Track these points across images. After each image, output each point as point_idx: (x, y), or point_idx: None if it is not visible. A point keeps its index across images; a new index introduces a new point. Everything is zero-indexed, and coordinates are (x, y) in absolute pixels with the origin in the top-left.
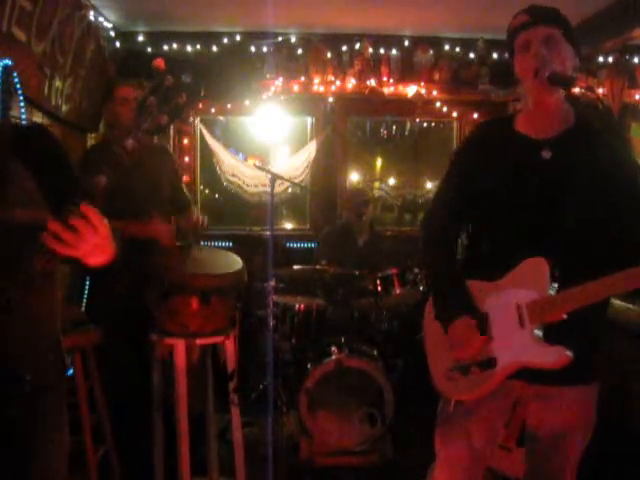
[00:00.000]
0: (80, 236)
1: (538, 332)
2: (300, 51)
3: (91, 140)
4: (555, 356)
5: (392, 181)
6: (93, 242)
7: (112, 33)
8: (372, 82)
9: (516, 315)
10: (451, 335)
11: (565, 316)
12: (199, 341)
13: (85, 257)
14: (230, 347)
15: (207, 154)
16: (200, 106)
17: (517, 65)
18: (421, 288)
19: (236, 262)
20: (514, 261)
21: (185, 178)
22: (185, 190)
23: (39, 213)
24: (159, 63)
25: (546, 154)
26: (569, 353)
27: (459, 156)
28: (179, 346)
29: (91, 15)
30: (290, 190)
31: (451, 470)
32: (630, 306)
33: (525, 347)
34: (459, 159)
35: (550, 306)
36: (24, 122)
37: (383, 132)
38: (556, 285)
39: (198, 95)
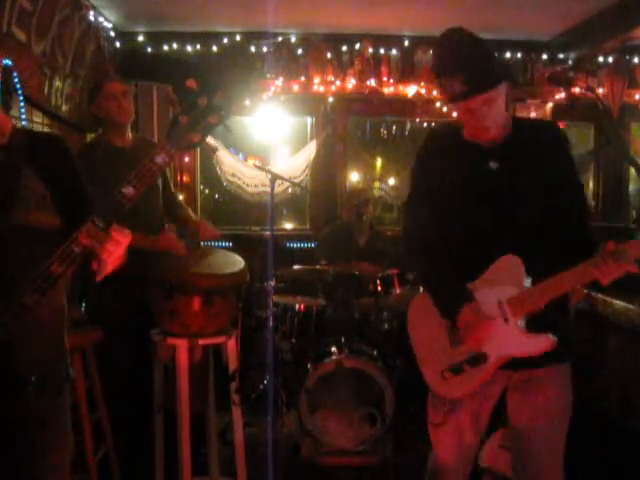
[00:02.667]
0: (107, 251)
1: (521, 323)
2: (300, 51)
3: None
4: (542, 344)
5: (392, 181)
6: (116, 255)
7: (112, 33)
8: (372, 82)
9: (499, 311)
10: (462, 323)
11: (543, 306)
12: (201, 341)
13: (103, 268)
14: (232, 347)
15: (207, 154)
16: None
17: (458, 114)
18: (421, 289)
19: (238, 262)
20: (479, 264)
21: (185, 178)
22: (174, 191)
23: (52, 216)
24: (191, 84)
25: (493, 165)
26: (553, 338)
27: (418, 171)
28: (181, 346)
29: (91, 15)
30: (290, 190)
31: (445, 462)
32: (630, 306)
33: (512, 340)
34: (419, 174)
35: (530, 299)
36: (39, 131)
37: (383, 132)
38: (530, 279)
39: (229, 116)
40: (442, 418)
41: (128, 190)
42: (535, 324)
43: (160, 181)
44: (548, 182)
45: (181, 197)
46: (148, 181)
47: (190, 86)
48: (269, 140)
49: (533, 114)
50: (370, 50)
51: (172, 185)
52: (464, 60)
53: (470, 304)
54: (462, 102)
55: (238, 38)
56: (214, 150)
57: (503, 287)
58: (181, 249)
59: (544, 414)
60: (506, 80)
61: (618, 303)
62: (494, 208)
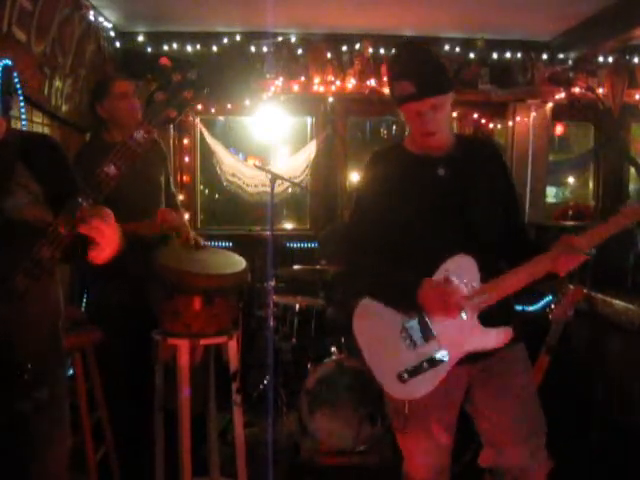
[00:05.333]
0: (97, 231)
1: (476, 320)
2: (300, 51)
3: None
4: (500, 337)
5: None
6: (108, 234)
7: (112, 33)
8: (372, 82)
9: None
10: (427, 302)
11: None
12: (202, 341)
13: (100, 251)
14: (233, 347)
15: (207, 154)
16: (200, 106)
17: (406, 119)
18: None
19: (239, 262)
20: (431, 266)
21: (185, 178)
22: (174, 190)
23: (45, 213)
24: (165, 61)
25: (441, 172)
26: (509, 329)
27: (367, 193)
28: (183, 346)
29: (91, 15)
30: (290, 190)
31: (424, 466)
32: (630, 306)
33: (471, 335)
34: (368, 196)
35: (488, 295)
36: (33, 132)
37: (383, 132)
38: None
39: (202, 91)
40: (403, 423)
41: (110, 169)
42: (487, 316)
43: (163, 180)
44: (491, 188)
45: (181, 197)
46: (128, 159)
47: (164, 63)
48: (269, 140)
49: (533, 114)
50: (370, 50)
51: (173, 187)
52: (415, 65)
53: (427, 280)
54: (411, 104)
55: (238, 38)
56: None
57: (459, 285)
58: (176, 220)
59: (511, 392)
60: (451, 92)
61: (618, 303)
62: (444, 212)
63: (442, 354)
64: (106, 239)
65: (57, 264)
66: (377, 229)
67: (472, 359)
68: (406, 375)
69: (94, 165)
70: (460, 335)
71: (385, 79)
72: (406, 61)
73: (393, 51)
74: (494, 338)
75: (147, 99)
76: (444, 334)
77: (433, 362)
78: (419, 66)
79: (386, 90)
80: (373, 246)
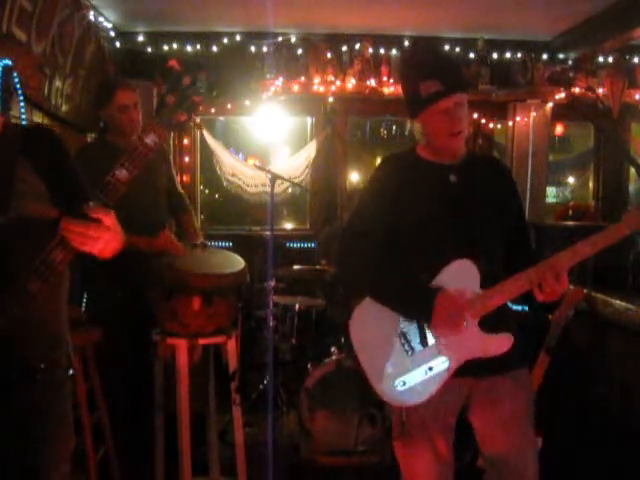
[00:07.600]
0: (96, 237)
1: (477, 326)
2: (300, 51)
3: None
4: (502, 344)
5: None
6: (106, 239)
7: (112, 33)
8: (372, 82)
9: None
10: (439, 316)
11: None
12: (201, 341)
13: (99, 252)
14: (232, 347)
15: (207, 154)
16: (200, 106)
17: (430, 122)
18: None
19: (238, 262)
20: (436, 270)
21: (185, 178)
22: (181, 191)
23: (49, 208)
24: (174, 63)
25: (453, 178)
26: (510, 336)
27: (374, 192)
28: (181, 346)
29: (91, 15)
30: (290, 190)
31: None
32: (630, 306)
33: (472, 342)
34: (375, 196)
35: (489, 300)
36: (31, 123)
37: (383, 132)
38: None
39: (211, 94)
40: (400, 430)
41: (121, 173)
42: (487, 322)
43: (164, 181)
44: (499, 202)
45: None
46: (139, 163)
47: (173, 66)
48: (269, 140)
49: (533, 114)
50: (370, 50)
51: (179, 186)
52: (440, 63)
53: (443, 293)
54: (439, 102)
55: (238, 38)
56: (199, 127)
57: (459, 290)
58: (178, 248)
59: (514, 423)
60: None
61: (618, 303)
62: (451, 217)
63: (442, 361)
64: (99, 243)
65: (68, 265)
66: (379, 228)
67: (476, 372)
68: (403, 382)
69: (94, 163)
70: (460, 342)
71: (385, 79)
72: (428, 60)
73: (405, 53)
74: (495, 344)
75: (158, 102)
76: (443, 340)
77: (432, 369)
78: (441, 64)
79: (386, 90)
80: (373, 244)
